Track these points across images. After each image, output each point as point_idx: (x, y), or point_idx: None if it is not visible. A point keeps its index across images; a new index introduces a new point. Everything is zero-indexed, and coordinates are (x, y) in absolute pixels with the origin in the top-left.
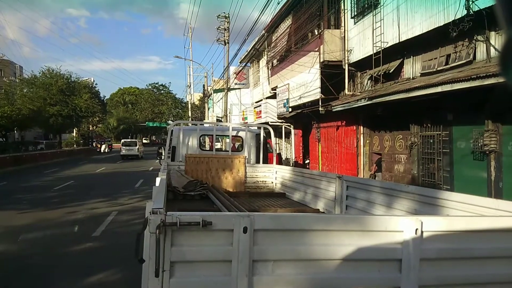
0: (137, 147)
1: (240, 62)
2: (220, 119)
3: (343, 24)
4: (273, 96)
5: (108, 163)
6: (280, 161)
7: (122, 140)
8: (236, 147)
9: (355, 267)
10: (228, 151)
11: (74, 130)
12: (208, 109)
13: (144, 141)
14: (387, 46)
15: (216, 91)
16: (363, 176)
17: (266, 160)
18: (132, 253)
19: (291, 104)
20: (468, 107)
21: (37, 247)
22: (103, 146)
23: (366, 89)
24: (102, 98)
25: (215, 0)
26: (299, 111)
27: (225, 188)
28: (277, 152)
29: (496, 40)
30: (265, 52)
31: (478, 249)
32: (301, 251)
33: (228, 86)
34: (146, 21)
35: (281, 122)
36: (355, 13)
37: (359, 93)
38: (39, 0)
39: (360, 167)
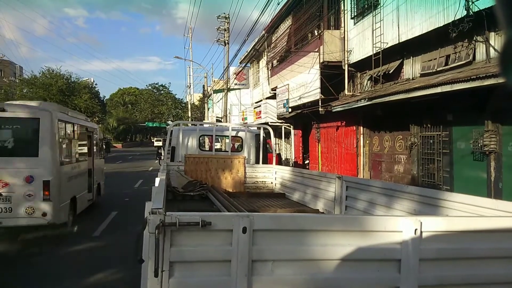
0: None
1: (240, 63)
2: (220, 119)
3: (343, 25)
4: (273, 97)
5: (107, 163)
6: (279, 162)
7: (155, 138)
8: (236, 147)
9: (355, 267)
10: (227, 151)
11: None
12: (208, 110)
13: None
14: (387, 46)
15: (216, 91)
16: (363, 176)
17: (266, 161)
18: (131, 253)
19: (291, 105)
20: (468, 108)
21: (38, 247)
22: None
23: (366, 89)
24: (101, 98)
25: (214, 0)
26: (299, 111)
27: (225, 188)
28: (277, 152)
29: (496, 40)
30: (265, 53)
31: (477, 249)
32: (300, 251)
33: (228, 87)
34: (145, 21)
35: (281, 123)
36: (355, 14)
37: (359, 94)
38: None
39: (360, 168)
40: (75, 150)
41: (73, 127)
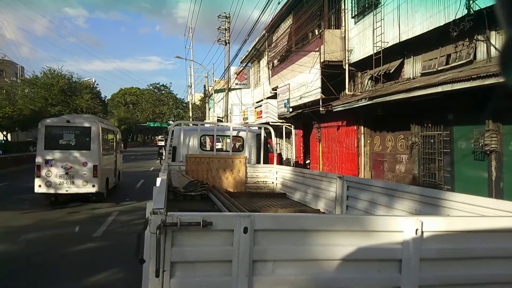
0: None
1: (241, 62)
2: (221, 119)
3: (343, 24)
4: (274, 96)
5: None
6: (280, 161)
7: (159, 138)
8: (237, 147)
9: (355, 267)
10: (228, 151)
11: None
12: (209, 109)
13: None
14: (388, 46)
15: (217, 91)
16: (364, 176)
17: (267, 160)
18: (132, 254)
19: (291, 104)
20: (468, 107)
21: (38, 247)
22: None
23: (366, 89)
24: (103, 99)
25: (215, 0)
26: (299, 111)
27: (226, 188)
28: (278, 152)
29: (497, 39)
30: (266, 52)
31: (478, 249)
32: (301, 251)
33: (229, 86)
34: (145, 21)
35: (282, 122)
36: (356, 13)
37: (359, 93)
38: (40, 0)
39: (360, 167)
40: (108, 145)
41: (107, 132)
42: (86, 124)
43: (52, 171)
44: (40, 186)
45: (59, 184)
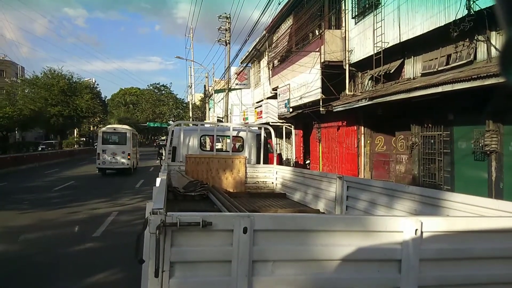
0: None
1: (241, 63)
2: (221, 119)
3: (344, 25)
4: (274, 97)
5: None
6: (280, 162)
7: (161, 138)
8: (237, 147)
9: (355, 267)
10: (228, 151)
11: (75, 130)
12: (209, 110)
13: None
14: (388, 46)
15: (217, 91)
16: (364, 176)
17: (267, 161)
18: (132, 254)
19: (292, 105)
20: (469, 107)
21: (38, 247)
22: None
23: (366, 89)
24: (103, 99)
25: (215, 0)
26: (300, 111)
27: (226, 188)
28: (278, 152)
29: (497, 40)
30: (266, 53)
31: (478, 249)
32: (301, 251)
33: (229, 87)
34: (145, 21)
35: (282, 122)
36: (356, 13)
37: (359, 93)
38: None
39: (360, 168)
40: (133, 143)
41: (134, 135)
42: (124, 131)
43: (105, 156)
44: (99, 164)
45: (109, 163)
